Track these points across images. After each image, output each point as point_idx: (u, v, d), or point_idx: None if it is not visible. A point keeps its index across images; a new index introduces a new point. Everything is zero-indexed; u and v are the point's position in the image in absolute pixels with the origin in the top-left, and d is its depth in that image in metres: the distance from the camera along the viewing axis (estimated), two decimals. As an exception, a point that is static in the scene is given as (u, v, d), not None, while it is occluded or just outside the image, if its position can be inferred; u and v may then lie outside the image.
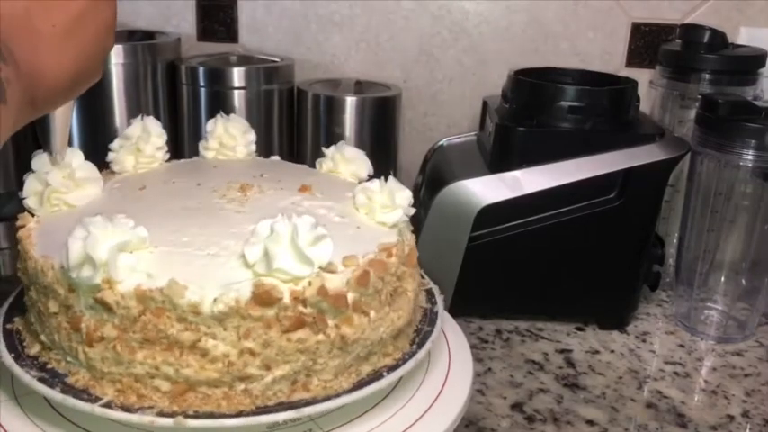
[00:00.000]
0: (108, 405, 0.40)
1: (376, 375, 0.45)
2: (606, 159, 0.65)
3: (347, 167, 0.59)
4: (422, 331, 0.50)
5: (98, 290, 0.40)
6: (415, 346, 0.48)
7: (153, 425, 0.40)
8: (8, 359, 0.44)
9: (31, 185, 0.49)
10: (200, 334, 0.40)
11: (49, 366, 0.44)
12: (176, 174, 0.57)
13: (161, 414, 0.40)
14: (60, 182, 0.49)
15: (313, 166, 0.61)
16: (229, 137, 0.61)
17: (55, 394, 0.41)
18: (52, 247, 0.43)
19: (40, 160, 0.49)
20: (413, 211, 0.50)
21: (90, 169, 0.51)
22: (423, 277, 0.55)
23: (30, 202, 0.49)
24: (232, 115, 0.62)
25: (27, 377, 0.42)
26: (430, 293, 0.54)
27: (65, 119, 0.49)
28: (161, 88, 0.84)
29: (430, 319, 0.51)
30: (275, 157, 0.64)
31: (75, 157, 0.50)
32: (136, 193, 0.53)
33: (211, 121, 0.62)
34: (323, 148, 0.60)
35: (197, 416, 0.40)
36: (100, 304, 0.40)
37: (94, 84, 0.43)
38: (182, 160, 0.61)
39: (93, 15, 0.41)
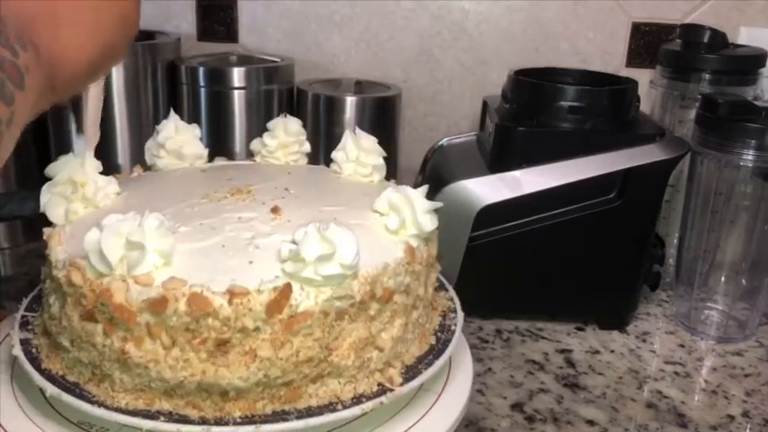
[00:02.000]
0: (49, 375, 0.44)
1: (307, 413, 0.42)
2: (606, 159, 0.65)
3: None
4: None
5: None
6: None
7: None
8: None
9: (54, 211, 0.48)
10: None
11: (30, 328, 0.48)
12: (187, 176, 0.57)
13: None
14: (80, 208, 0.49)
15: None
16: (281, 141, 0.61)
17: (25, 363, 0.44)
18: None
19: (77, 143, 0.49)
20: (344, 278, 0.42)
21: (105, 185, 0.50)
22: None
23: (56, 221, 0.48)
24: (290, 118, 0.61)
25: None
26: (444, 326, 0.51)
27: (97, 100, 0.49)
28: (161, 88, 0.84)
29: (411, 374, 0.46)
30: (320, 166, 0.62)
31: (92, 171, 0.49)
32: (142, 189, 0.53)
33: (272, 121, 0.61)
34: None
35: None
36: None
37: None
38: (217, 162, 0.61)
39: (118, 3, 0.41)
